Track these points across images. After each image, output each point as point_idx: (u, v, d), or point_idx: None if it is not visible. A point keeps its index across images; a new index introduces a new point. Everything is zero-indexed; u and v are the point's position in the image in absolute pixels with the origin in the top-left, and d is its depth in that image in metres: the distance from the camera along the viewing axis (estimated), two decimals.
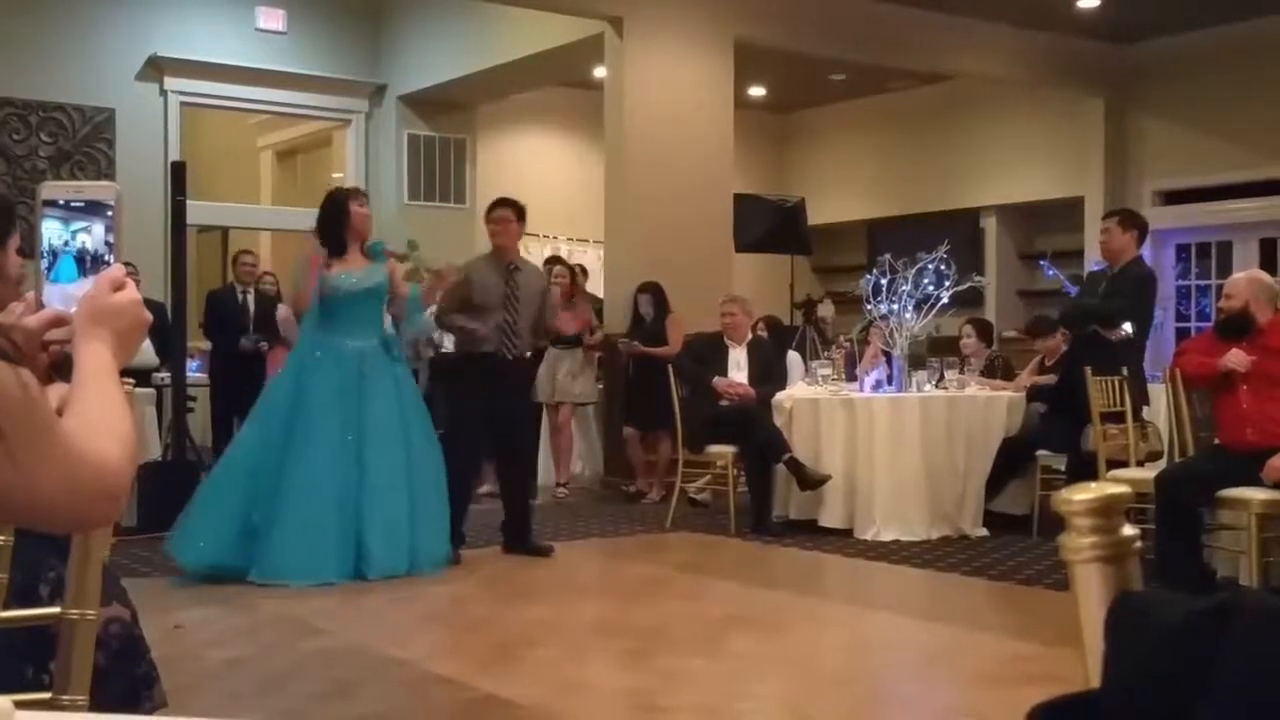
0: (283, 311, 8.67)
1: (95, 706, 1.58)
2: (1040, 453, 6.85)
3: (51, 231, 1.45)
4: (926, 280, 7.07)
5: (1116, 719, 0.79)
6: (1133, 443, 5.79)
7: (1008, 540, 6.58)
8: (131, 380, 1.56)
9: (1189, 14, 10.19)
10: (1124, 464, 5.75)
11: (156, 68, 10.17)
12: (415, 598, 5.19)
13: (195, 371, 8.68)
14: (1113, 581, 0.86)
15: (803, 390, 7.27)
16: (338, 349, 5.63)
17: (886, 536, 6.57)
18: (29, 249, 1.48)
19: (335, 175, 11.79)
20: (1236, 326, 5.10)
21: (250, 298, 8.71)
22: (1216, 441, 5.23)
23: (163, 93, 10.25)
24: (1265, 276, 5.30)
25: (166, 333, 7.25)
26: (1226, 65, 10.48)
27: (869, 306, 7.22)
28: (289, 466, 5.43)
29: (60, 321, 1.39)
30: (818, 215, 11.06)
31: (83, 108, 9.86)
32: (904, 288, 7.07)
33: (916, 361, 7.12)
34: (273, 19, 10.73)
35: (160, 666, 2.11)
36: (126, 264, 1.47)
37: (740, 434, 6.94)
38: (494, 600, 5.20)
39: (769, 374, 7.33)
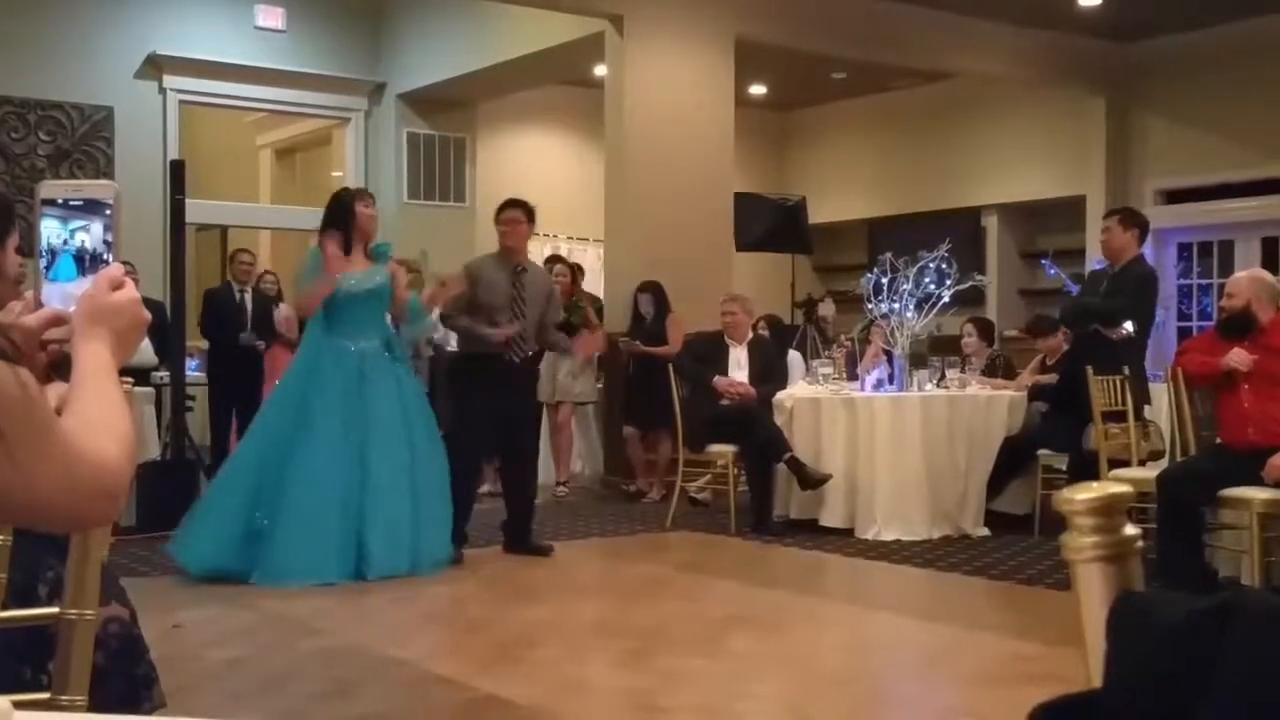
0: (284, 311, 8.66)
1: (94, 707, 1.58)
2: (1042, 452, 6.85)
3: (50, 230, 1.45)
4: (927, 279, 7.06)
5: (1118, 719, 0.79)
6: (1134, 442, 5.79)
7: (1009, 540, 6.58)
8: (130, 379, 1.55)
9: (1190, 13, 10.18)
10: (1125, 463, 5.74)
11: (155, 66, 10.17)
12: (415, 598, 5.18)
13: (194, 370, 8.67)
14: (1114, 581, 0.86)
15: (803, 389, 7.26)
16: (340, 350, 5.63)
17: (887, 536, 6.57)
18: (28, 248, 1.48)
19: (335, 174, 11.79)
20: (1238, 325, 5.09)
21: (248, 296, 8.70)
22: (1218, 441, 5.23)
23: (161, 91, 10.25)
24: (1267, 275, 5.29)
25: (165, 332, 7.25)
26: (1228, 64, 10.47)
27: (870, 305, 7.22)
28: (292, 468, 5.43)
29: (59, 321, 1.39)
30: (818, 214, 11.06)
31: (81, 106, 9.86)
32: (905, 287, 7.07)
33: (918, 361, 7.11)
34: (272, 17, 10.73)
35: (159, 666, 2.11)
36: (125, 263, 1.47)
37: (741, 433, 6.93)
38: (494, 600, 5.20)
39: (770, 373, 7.33)
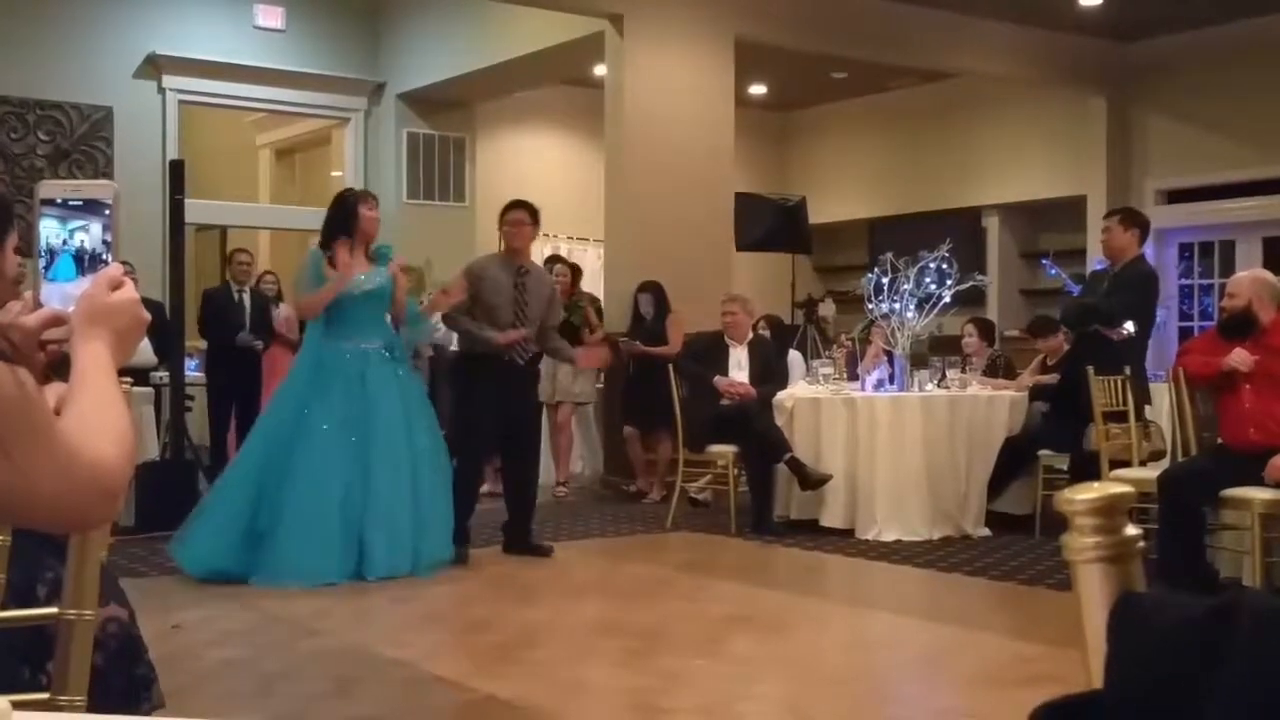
0: (284, 311, 8.66)
1: (93, 707, 1.58)
2: (1042, 452, 6.85)
3: (49, 230, 1.45)
4: (928, 279, 7.06)
5: (1119, 719, 0.79)
6: (1135, 442, 5.78)
7: (1010, 540, 6.57)
8: (129, 379, 1.55)
9: (1191, 12, 10.18)
10: (1126, 464, 5.74)
11: (155, 66, 10.17)
12: (415, 598, 5.18)
13: (193, 371, 8.67)
14: (1115, 582, 0.86)
15: (804, 389, 7.26)
16: (341, 351, 5.63)
17: (888, 536, 6.56)
18: (27, 248, 1.47)
19: (334, 174, 11.79)
20: (1239, 326, 5.09)
21: (246, 296, 8.70)
22: (1219, 441, 5.22)
23: (161, 91, 10.25)
24: (1268, 275, 5.28)
25: (165, 332, 7.24)
26: (1229, 63, 10.47)
27: (870, 305, 7.22)
28: (293, 469, 5.43)
29: (58, 321, 1.39)
30: (819, 214, 11.05)
31: (81, 106, 9.86)
32: (905, 287, 7.06)
33: (918, 361, 7.11)
34: (271, 16, 10.73)
35: (159, 666, 2.11)
36: (124, 263, 1.47)
37: (741, 433, 6.93)
38: (494, 600, 5.20)
39: (770, 373, 7.33)
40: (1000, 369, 7.71)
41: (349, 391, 5.57)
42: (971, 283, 7.20)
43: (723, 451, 7.06)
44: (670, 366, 7.27)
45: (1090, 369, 5.91)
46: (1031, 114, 12.03)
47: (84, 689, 1.56)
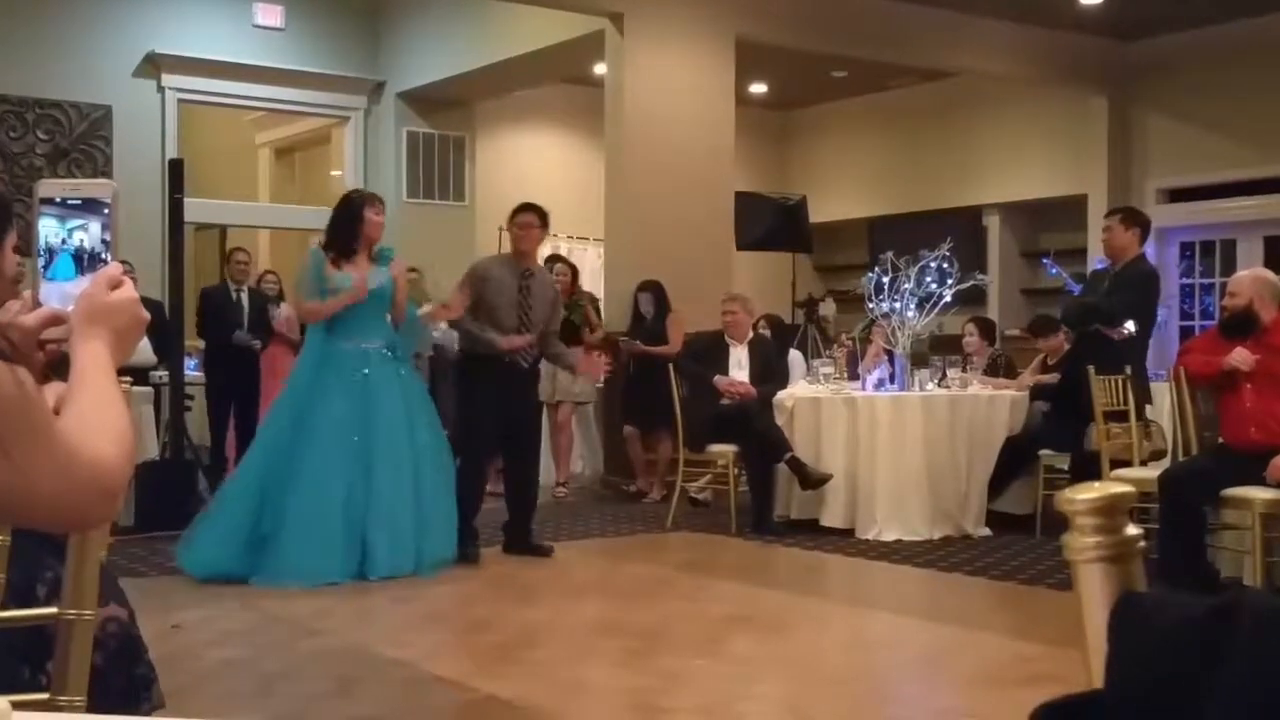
0: (285, 310, 8.65)
1: (93, 707, 1.58)
2: (1043, 452, 6.85)
3: (48, 229, 1.44)
4: (929, 278, 7.06)
5: (1119, 719, 0.79)
6: (1136, 442, 5.78)
7: (1010, 540, 6.57)
8: (129, 379, 1.55)
9: (1192, 11, 10.18)
10: (1127, 463, 5.74)
11: (154, 64, 10.17)
12: (415, 598, 5.18)
13: (193, 370, 8.67)
14: (1116, 581, 0.86)
15: (804, 389, 7.26)
16: (343, 351, 5.63)
17: (888, 536, 6.56)
18: (26, 247, 1.47)
19: (334, 173, 11.79)
20: (1240, 325, 5.09)
21: (244, 295, 8.70)
22: (1220, 441, 5.22)
23: (160, 90, 10.25)
24: (1269, 274, 5.28)
25: (164, 331, 7.24)
26: (1230, 62, 10.47)
27: (871, 305, 7.21)
28: (296, 470, 5.44)
29: (57, 320, 1.39)
30: (819, 213, 11.05)
31: (80, 105, 9.86)
32: (906, 286, 7.06)
33: (919, 360, 7.11)
34: (271, 15, 10.73)
35: (159, 666, 2.10)
36: (123, 262, 1.47)
37: (741, 433, 6.93)
38: (494, 600, 5.20)
39: (770, 373, 7.33)
40: (1001, 368, 7.70)
41: (351, 391, 5.57)
42: (972, 282, 7.20)
43: (723, 451, 7.06)
44: (670, 366, 7.27)
45: (1091, 368, 5.91)
46: (1032, 113, 12.02)
47: (84, 689, 1.56)
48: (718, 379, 7.21)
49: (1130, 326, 6.23)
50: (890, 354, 7.22)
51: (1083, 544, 0.87)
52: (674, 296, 8.42)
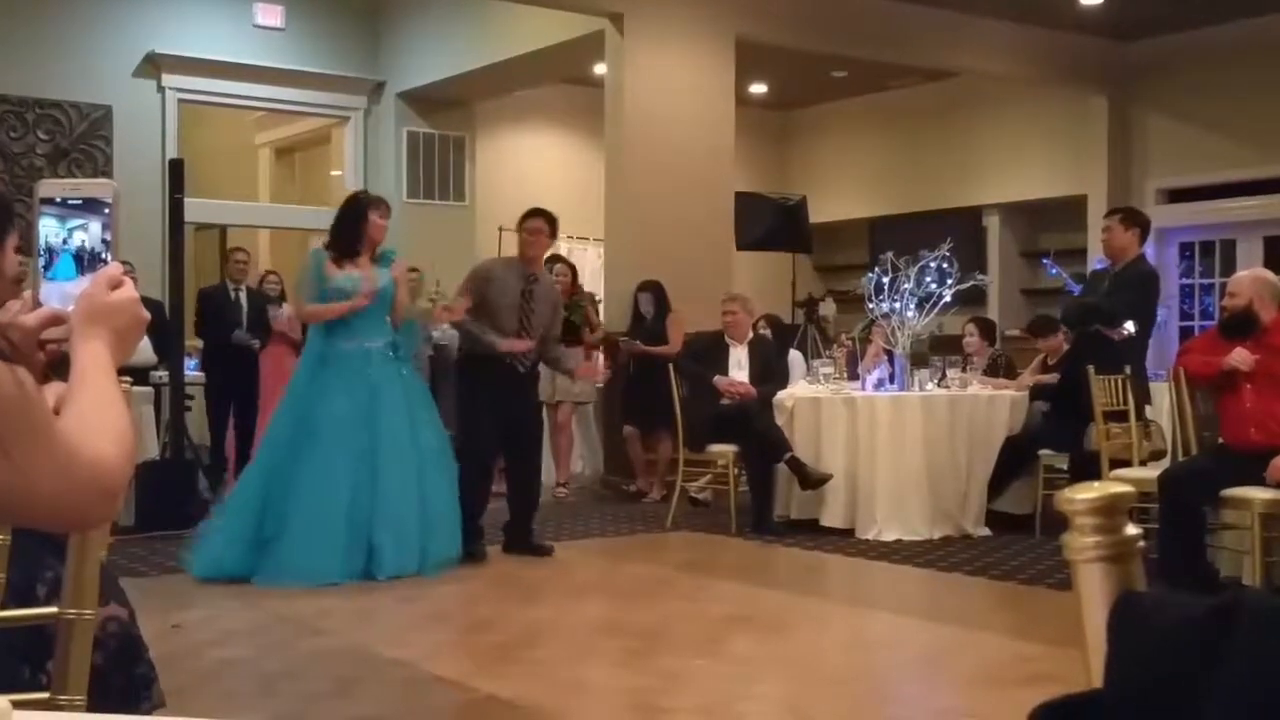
0: (287, 310, 8.65)
1: (93, 706, 1.58)
2: (1043, 452, 6.85)
3: (49, 229, 1.44)
4: (929, 278, 7.06)
5: (1119, 719, 0.79)
6: (1136, 442, 5.78)
7: (1010, 540, 6.57)
8: (129, 379, 1.55)
9: (1192, 11, 10.18)
10: (1127, 463, 5.74)
11: (154, 64, 10.17)
12: (415, 598, 5.18)
13: (193, 370, 8.67)
14: (1115, 581, 0.86)
15: (804, 389, 7.26)
16: (344, 352, 5.63)
17: (888, 536, 6.56)
18: (26, 247, 1.47)
19: (334, 173, 11.79)
20: (1240, 325, 5.09)
21: (243, 295, 8.70)
22: (1220, 441, 5.22)
23: (160, 90, 10.25)
24: (1269, 275, 5.28)
25: (164, 331, 7.24)
26: (1230, 63, 10.47)
27: (871, 305, 7.21)
28: (300, 471, 5.44)
29: (57, 320, 1.39)
30: (819, 213, 11.05)
31: (80, 105, 9.86)
32: (906, 286, 7.06)
33: (919, 360, 7.11)
34: (271, 15, 10.73)
35: (159, 666, 2.10)
36: (124, 262, 1.47)
37: (741, 433, 6.93)
38: (494, 600, 5.20)
39: (770, 373, 7.33)
40: (1001, 368, 7.70)
41: (353, 391, 5.57)
42: (972, 282, 7.20)
43: (723, 451, 7.06)
44: (670, 366, 7.27)
45: (1091, 368, 5.91)
46: (1032, 113, 12.02)
47: (84, 688, 1.56)
48: (718, 379, 7.21)
49: (1130, 327, 6.23)
50: (890, 354, 7.22)
51: (1082, 544, 0.87)
52: (674, 296, 8.42)
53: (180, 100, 10.36)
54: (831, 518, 6.81)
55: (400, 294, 5.80)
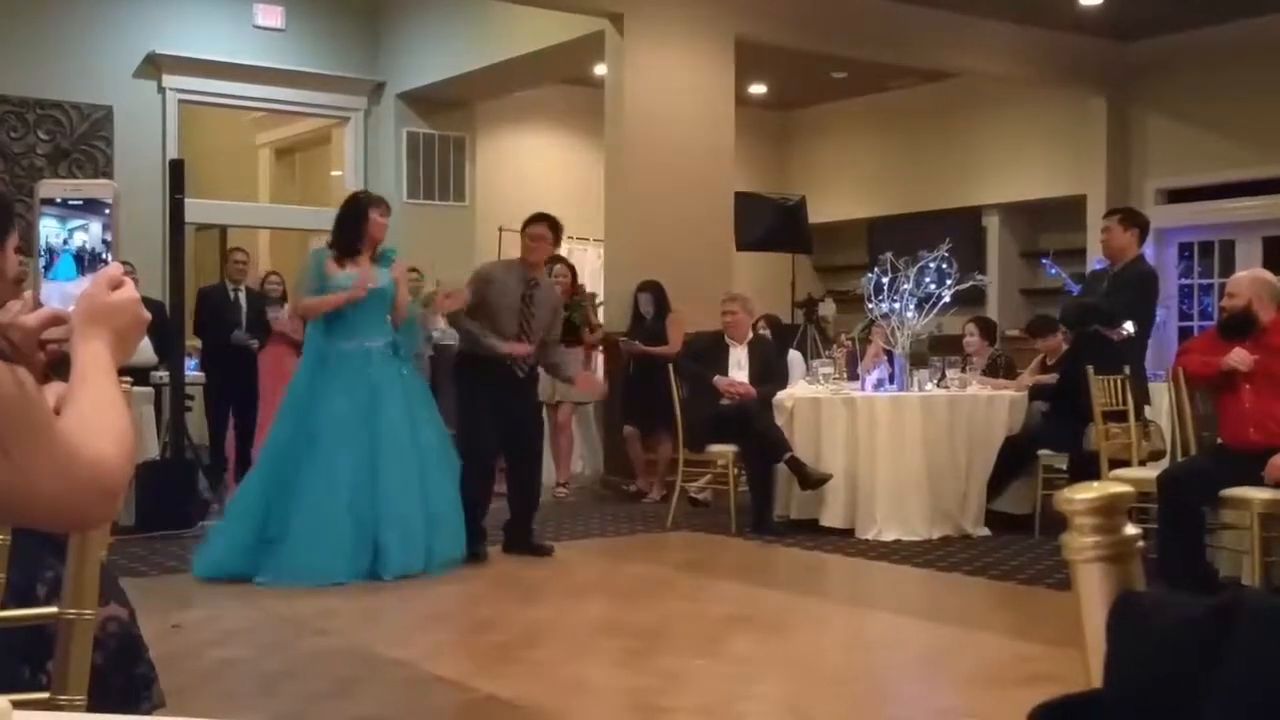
0: (288, 310, 8.65)
1: (93, 706, 1.58)
2: (1042, 452, 6.85)
3: (49, 230, 1.45)
4: (928, 279, 7.06)
5: (1118, 719, 0.79)
6: (1135, 442, 5.78)
7: (1009, 540, 6.57)
8: (129, 379, 1.55)
9: (1192, 12, 10.18)
10: (1126, 463, 5.74)
11: (154, 65, 10.17)
12: (415, 598, 5.18)
13: (193, 370, 8.67)
14: (1115, 581, 0.86)
15: (804, 389, 7.26)
16: (344, 351, 5.63)
17: (888, 536, 6.56)
18: (27, 247, 1.47)
19: (334, 173, 11.79)
20: (1239, 325, 5.09)
21: (242, 295, 8.70)
22: (1219, 441, 5.22)
23: (161, 90, 10.25)
24: (1268, 275, 5.28)
25: (165, 331, 7.24)
26: (1230, 63, 10.47)
27: (870, 305, 7.22)
28: (302, 472, 5.45)
29: (58, 320, 1.39)
30: (819, 213, 11.06)
31: (80, 105, 9.86)
32: (905, 286, 7.06)
33: (918, 360, 7.11)
34: (271, 16, 10.73)
35: (159, 666, 2.11)
36: (124, 262, 1.47)
37: (741, 433, 6.93)
38: (494, 600, 5.20)
39: (770, 373, 7.33)
40: (1001, 368, 7.71)
41: (353, 391, 5.57)
42: (971, 282, 7.20)
43: (723, 451, 7.06)
44: (670, 366, 7.27)
45: (1090, 368, 5.91)
46: (1031, 114, 12.02)
47: (84, 688, 1.56)
48: (717, 379, 7.21)
49: (1129, 327, 6.23)
50: (890, 354, 7.22)
51: (1082, 544, 0.87)
52: (674, 296, 8.42)
53: (181, 101, 10.36)
54: (831, 518, 6.81)
55: (401, 292, 5.81)
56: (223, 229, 11.94)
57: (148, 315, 1.38)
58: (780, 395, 7.11)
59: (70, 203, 1.45)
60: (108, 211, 1.46)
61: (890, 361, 7.19)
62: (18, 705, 1.24)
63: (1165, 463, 5.91)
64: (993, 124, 12.41)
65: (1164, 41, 10.88)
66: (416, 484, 5.57)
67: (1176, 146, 11.02)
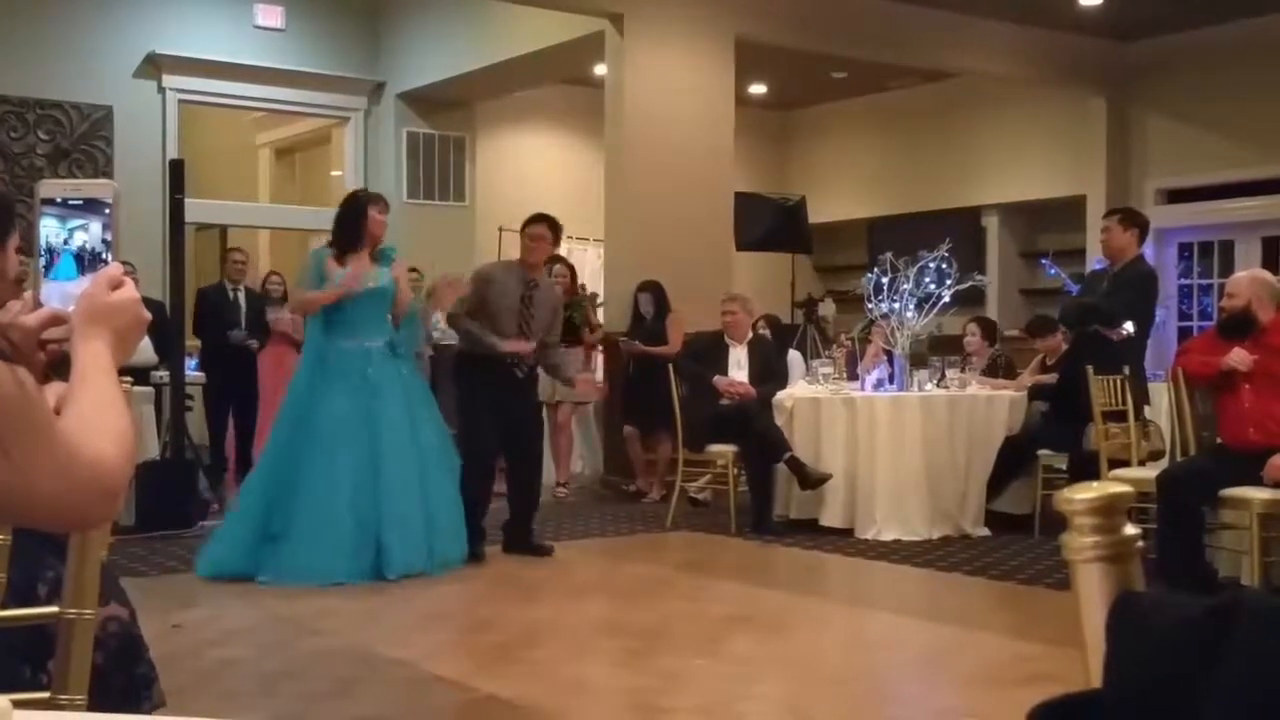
0: (290, 306, 8.65)
1: (94, 706, 1.58)
2: (1042, 452, 6.85)
3: (49, 229, 1.45)
4: (928, 279, 7.06)
5: (1118, 719, 0.79)
6: (1134, 442, 5.78)
7: (1009, 540, 6.57)
8: (130, 379, 1.55)
9: (1191, 12, 10.18)
10: (1125, 463, 5.74)
11: (155, 65, 10.17)
12: (416, 597, 5.18)
13: (194, 370, 8.68)
14: (1114, 581, 0.86)
15: (803, 389, 7.26)
16: (343, 351, 5.64)
17: (887, 536, 6.57)
18: (27, 247, 1.48)
19: (334, 173, 11.79)
20: (1238, 325, 5.09)
21: (241, 295, 8.70)
22: (1218, 441, 5.22)
23: (161, 90, 10.25)
24: (1267, 275, 5.29)
25: (165, 331, 7.24)
26: (1229, 63, 10.47)
27: (870, 305, 7.22)
28: (302, 471, 5.45)
29: (58, 320, 1.39)
30: (819, 213, 11.06)
31: (80, 105, 9.86)
32: (905, 286, 7.06)
33: (918, 360, 7.11)
34: (271, 16, 10.73)
35: (159, 666, 2.11)
36: (125, 262, 1.47)
37: (741, 433, 6.93)
38: (494, 600, 5.20)
39: (770, 373, 7.33)
40: (1001, 368, 7.71)
41: (352, 390, 5.58)
42: (971, 282, 7.20)
43: (722, 451, 7.06)
44: (670, 366, 7.27)
45: (1089, 368, 5.91)
46: (1031, 114, 12.03)
47: (84, 688, 1.56)
48: (717, 379, 7.21)
49: (1129, 327, 6.23)
50: (889, 354, 7.22)
51: (1081, 544, 0.87)
52: (674, 296, 8.42)
53: (181, 101, 10.36)
54: (831, 518, 6.81)
55: (402, 286, 5.81)
56: (223, 229, 11.94)
57: (148, 315, 1.38)
58: (780, 395, 7.11)
59: (70, 203, 1.46)
60: (108, 211, 1.46)
61: (890, 361, 7.19)
62: (18, 705, 1.24)
63: (1165, 463, 5.91)
64: (993, 124, 12.41)
65: (1164, 41, 10.88)
66: (417, 483, 5.58)
67: (1176, 146, 11.02)
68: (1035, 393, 7.16)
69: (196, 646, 4.28)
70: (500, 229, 10.88)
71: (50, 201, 1.45)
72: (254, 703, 3.63)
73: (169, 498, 6.66)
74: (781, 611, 5.02)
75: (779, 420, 6.97)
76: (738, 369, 7.31)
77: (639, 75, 8.91)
